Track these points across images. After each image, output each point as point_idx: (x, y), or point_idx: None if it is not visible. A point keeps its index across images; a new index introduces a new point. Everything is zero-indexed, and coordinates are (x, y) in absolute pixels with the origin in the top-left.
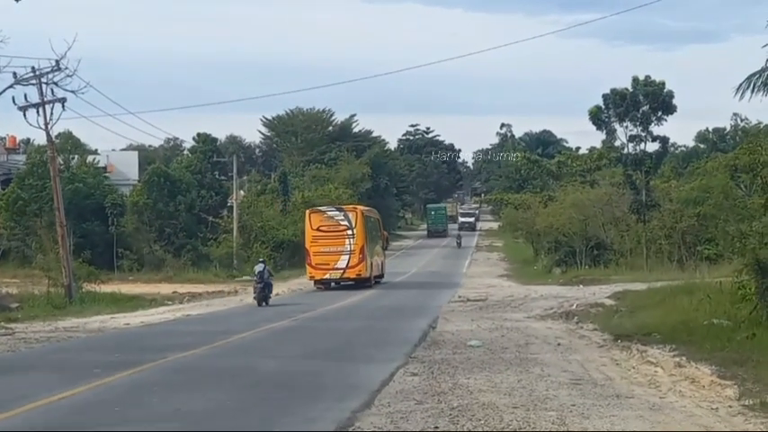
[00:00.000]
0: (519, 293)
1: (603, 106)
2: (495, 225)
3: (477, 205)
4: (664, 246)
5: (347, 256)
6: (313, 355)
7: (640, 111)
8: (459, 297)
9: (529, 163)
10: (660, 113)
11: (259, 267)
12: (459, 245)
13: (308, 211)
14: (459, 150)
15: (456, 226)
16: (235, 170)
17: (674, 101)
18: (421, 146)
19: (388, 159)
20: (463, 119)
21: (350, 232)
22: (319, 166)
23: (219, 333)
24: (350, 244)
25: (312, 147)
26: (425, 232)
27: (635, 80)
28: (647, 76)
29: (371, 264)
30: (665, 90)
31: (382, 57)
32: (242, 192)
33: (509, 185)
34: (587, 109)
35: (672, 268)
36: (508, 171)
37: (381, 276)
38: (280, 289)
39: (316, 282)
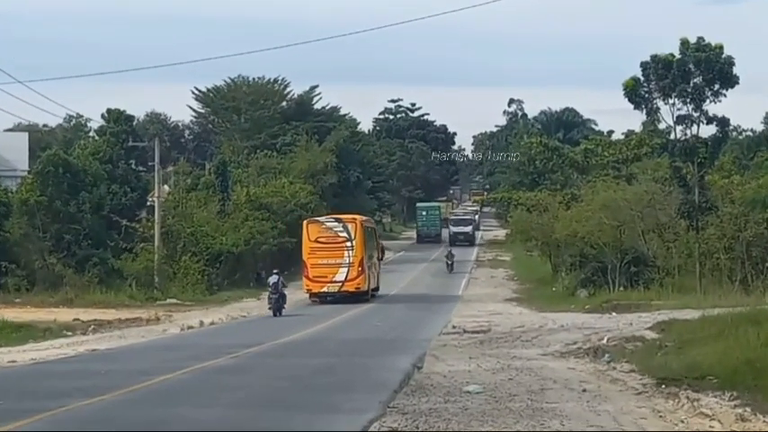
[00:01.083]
0: (532, 323)
1: (643, 78)
2: (501, 233)
3: (477, 207)
4: (723, 261)
5: (346, 269)
6: (256, 404)
7: (691, 83)
8: (454, 327)
9: (546, 151)
10: (717, 87)
11: (273, 279)
12: (450, 267)
13: (305, 222)
14: (455, 134)
15: (447, 237)
16: (157, 158)
17: (736, 70)
18: (404, 128)
19: (360, 145)
20: (460, 92)
21: (349, 244)
22: (269, 153)
23: (136, 373)
24: (349, 256)
25: (260, 128)
26: (410, 241)
27: (684, 43)
28: (700, 38)
29: (369, 276)
30: (723, 56)
31: (354, 10)
32: (166, 187)
33: (519, 181)
34: (622, 81)
35: (733, 290)
36: (519, 162)
37: (377, 289)
38: (215, 316)
39: (311, 295)
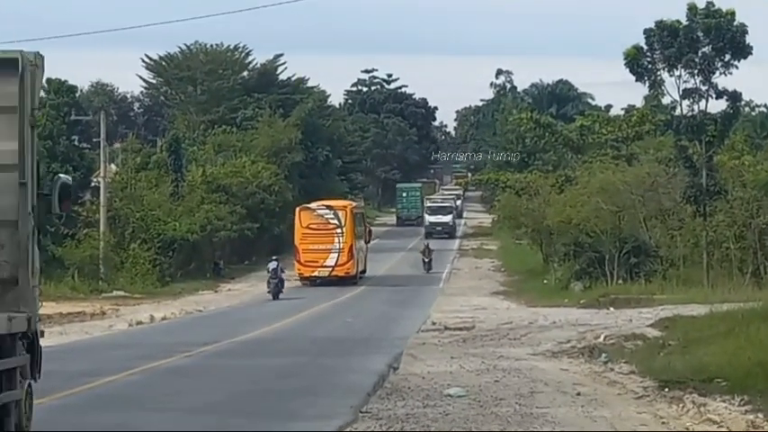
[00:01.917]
0: (521, 319)
1: (646, 46)
2: (486, 218)
3: (460, 192)
4: (733, 251)
5: (336, 254)
6: (212, 410)
7: (699, 53)
8: (434, 324)
9: (537, 128)
10: (728, 58)
11: (272, 265)
12: (427, 265)
13: (298, 209)
14: (436, 109)
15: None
16: (103, 134)
17: (749, 39)
18: (379, 101)
19: (329, 120)
20: (442, 62)
21: (339, 231)
22: (228, 128)
23: (78, 375)
24: (339, 242)
25: (218, 101)
26: (386, 228)
27: (691, 8)
28: (710, 3)
29: (358, 261)
30: (735, 23)
31: None
32: (113, 166)
33: (508, 161)
34: (623, 50)
35: (744, 284)
36: (507, 140)
37: (364, 271)
38: (167, 310)
39: (302, 279)
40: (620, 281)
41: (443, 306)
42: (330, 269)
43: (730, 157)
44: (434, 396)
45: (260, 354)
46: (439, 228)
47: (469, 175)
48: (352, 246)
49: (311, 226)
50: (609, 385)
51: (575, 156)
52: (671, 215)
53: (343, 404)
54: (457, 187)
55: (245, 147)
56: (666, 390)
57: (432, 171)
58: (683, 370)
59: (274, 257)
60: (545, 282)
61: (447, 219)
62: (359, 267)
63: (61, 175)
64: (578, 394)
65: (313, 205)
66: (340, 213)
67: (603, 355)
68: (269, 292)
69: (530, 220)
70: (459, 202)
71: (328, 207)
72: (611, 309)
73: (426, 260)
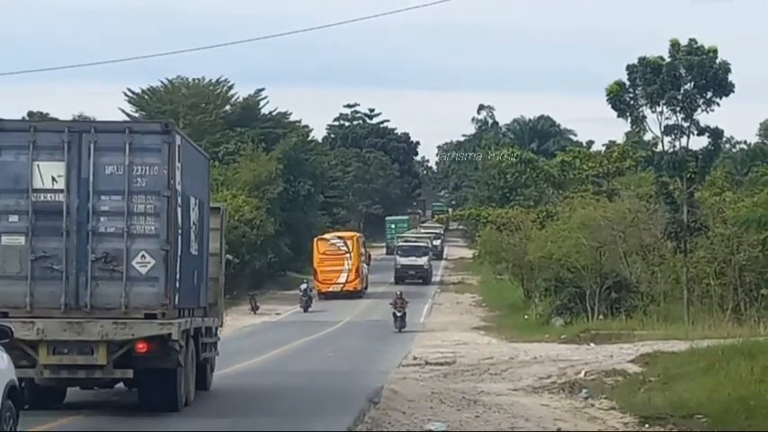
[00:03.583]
0: (502, 354)
1: (628, 82)
2: (467, 253)
3: (440, 231)
4: (713, 287)
5: (346, 274)
6: None
7: (681, 90)
8: (415, 359)
9: (519, 163)
10: (710, 95)
11: (304, 285)
12: (399, 321)
13: (315, 239)
14: (418, 144)
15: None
16: None
17: (731, 77)
18: (361, 136)
19: (311, 155)
20: (424, 97)
21: (348, 255)
22: (211, 163)
23: None
24: (348, 264)
25: (200, 134)
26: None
27: (674, 45)
28: (692, 40)
29: (362, 278)
30: (717, 60)
31: (305, 3)
32: None
33: (489, 196)
34: (605, 87)
35: (724, 320)
36: (488, 175)
37: (366, 287)
38: None
39: (320, 293)
40: (601, 316)
41: (424, 341)
42: (342, 285)
43: (711, 194)
44: (415, 431)
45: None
46: (412, 272)
47: (450, 210)
48: (358, 267)
49: (326, 252)
50: (589, 421)
51: (556, 191)
52: (652, 251)
53: None
54: (437, 225)
55: (227, 181)
56: (647, 426)
57: (414, 204)
58: (664, 406)
59: (305, 279)
60: (526, 317)
61: (421, 261)
62: (363, 284)
63: (228, 256)
64: (559, 430)
65: (327, 236)
66: (348, 242)
67: (584, 390)
68: (301, 306)
69: (511, 255)
70: (438, 242)
71: (339, 237)
72: (592, 344)
73: (398, 314)
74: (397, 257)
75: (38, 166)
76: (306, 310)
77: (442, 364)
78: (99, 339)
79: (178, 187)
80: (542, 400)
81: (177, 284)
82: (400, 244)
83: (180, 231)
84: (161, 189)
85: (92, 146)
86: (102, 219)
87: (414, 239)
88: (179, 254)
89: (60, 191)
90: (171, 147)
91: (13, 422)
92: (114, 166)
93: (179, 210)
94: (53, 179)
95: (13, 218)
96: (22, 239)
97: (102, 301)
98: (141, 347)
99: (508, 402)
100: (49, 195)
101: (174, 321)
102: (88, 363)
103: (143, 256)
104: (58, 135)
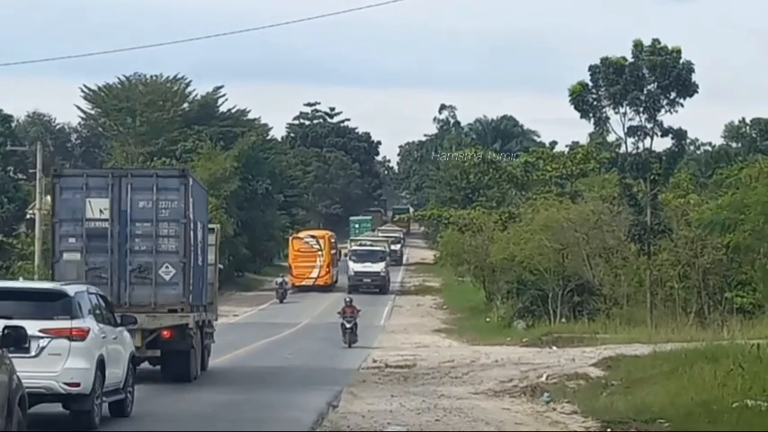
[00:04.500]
0: (463, 357)
1: (591, 83)
2: (429, 254)
3: (400, 235)
4: (677, 290)
5: (318, 270)
6: None
7: (645, 91)
8: (375, 362)
9: (482, 164)
10: (674, 95)
11: (279, 279)
12: (349, 334)
13: (291, 238)
14: (379, 144)
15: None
16: (39, 165)
17: (695, 77)
18: (321, 135)
19: (270, 154)
20: (385, 96)
21: (320, 253)
22: (168, 161)
23: None
24: (319, 261)
25: (158, 132)
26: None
27: (637, 45)
28: (656, 40)
29: (332, 274)
30: (681, 61)
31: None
32: (49, 198)
33: (451, 196)
34: (567, 86)
35: (688, 323)
36: (450, 175)
37: (336, 281)
38: None
39: (294, 286)
40: (564, 319)
41: (384, 343)
42: (314, 279)
43: (675, 196)
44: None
45: (191, 389)
46: (367, 279)
47: (411, 210)
48: (329, 263)
49: (300, 249)
50: (551, 425)
51: (518, 192)
52: (615, 253)
53: None
54: (396, 228)
55: None
56: (609, 430)
57: (376, 203)
58: (626, 410)
59: (282, 275)
60: (487, 320)
61: (377, 268)
62: (334, 278)
63: (220, 265)
64: None
65: (301, 234)
66: (321, 240)
67: (546, 394)
68: (277, 297)
69: (473, 257)
70: (398, 247)
71: (312, 236)
72: (554, 348)
73: (348, 325)
74: (350, 263)
75: (89, 201)
76: (281, 301)
77: (402, 366)
78: (136, 328)
79: (191, 216)
80: (503, 404)
81: (191, 287)
82: (354, 248)
83: (192, 248)
84: (179, 218)
85: (129, 186)
86: (136, 240)
87: (369, 243)
88: (191, 265)
89: (106, 219)
90: (186, 186)
91: (132, 383)
92: (145, 201)
93: (191, 233)
94: (101, 211)
95: (72, 240)
96: (78, 255)
97: (137, 300)
98: (166, 334)
99: (469, 406)
100: (97, 223)
101: (190, 315)
102: None
103: (167, 267)
104: (103, 179)
